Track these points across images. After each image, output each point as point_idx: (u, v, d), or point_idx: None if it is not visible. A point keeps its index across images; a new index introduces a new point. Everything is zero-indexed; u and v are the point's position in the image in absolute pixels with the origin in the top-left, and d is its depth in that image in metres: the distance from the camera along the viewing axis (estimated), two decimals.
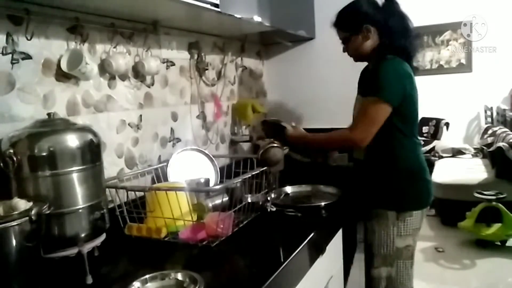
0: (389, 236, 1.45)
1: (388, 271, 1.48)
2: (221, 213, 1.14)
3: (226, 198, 1.21)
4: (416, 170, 1.46)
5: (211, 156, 1.68)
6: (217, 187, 1.20)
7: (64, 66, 1.21)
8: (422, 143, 1.53)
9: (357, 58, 1.53)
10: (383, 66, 1.39)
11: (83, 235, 0.98)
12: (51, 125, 0.99)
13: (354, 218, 1.57)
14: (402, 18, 1.45)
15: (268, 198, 1.41)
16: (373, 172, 1.49)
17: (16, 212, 0.84)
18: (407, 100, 1.39)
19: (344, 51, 1.53)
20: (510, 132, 3.81)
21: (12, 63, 1.10)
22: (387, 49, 1.43)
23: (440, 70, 5.49)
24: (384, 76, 1.37)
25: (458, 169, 3.99)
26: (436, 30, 5.41)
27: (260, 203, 1.37)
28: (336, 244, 1.49)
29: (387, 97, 1.35)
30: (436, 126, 5.19)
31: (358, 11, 1.47)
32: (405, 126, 1.42)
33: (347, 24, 1.49)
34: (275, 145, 1.42)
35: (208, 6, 1.33)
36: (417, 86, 1.45)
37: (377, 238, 1.48)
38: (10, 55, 1.09)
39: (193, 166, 1.61)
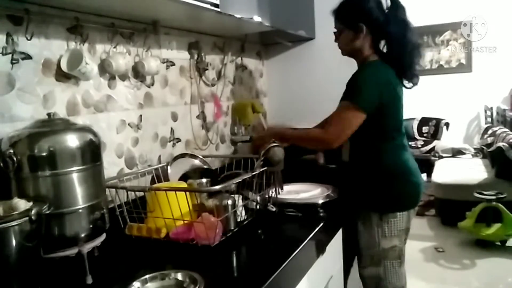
0: (374, 237, 1.47)
1: (376, 270, 1.50)
2: (214, 216, 1.14)
3: (226, 200, 1.20)
4: (398, 172, 1.45)
5: (205, 160, 1.66)
6: (217, 187, 1.19)
7: (64, 66, 1.21)
8: (414, 144, 1.57)
9: (345, 53, 1.52)
10: (362, 71, 1.42)
11: (83, 235, 0.98)
12: (51, 125, 0.99)
13: (354, 218, 1.57)
14: (405, 27, 1.41)
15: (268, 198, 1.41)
16: (357, 175, 1.52)
17: (16, 212, 0.83)
18: (385, 107, 1.38)
19: (335, 41, 1.52)
20: (510, 132, 3.81)
21: (12, 63, 1.10)
22: (381, 55, 1.44)
23: (440, 70, 5.49)
24: (361, 82, 1.38)
25: (458, 169, 3.99)
26: (436, 30, 5.42)
27: (261, 203, 1.37)
28: (336, 244, 1.49)
29: (361, 104, 1.35)
30: (436, 126, 5.20)
31: (360, 6, 1.43)
32: (385, 131, 1.44)
33: (344, 16, 1.46)
34: (276, 144, 1.42)
35: (208, 6, 1.33)
36: (401, 92, 1.46)
37: (363, 239, 1.51)
38: (10, 55, 1.09)
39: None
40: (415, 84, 1.49)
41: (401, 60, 1.42)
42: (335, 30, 1.51)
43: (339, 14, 1.48)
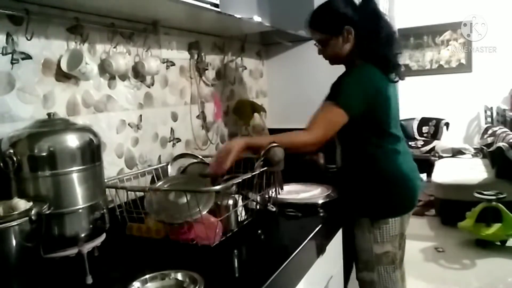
0: (366, 242, 1.46)
1: (370, 276, 1.48)
2: (214, 217, 1.14)
3: (227, 200, 1.20)
4: (391, 179, 1.42)
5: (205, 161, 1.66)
6: (217, 187, 1.19)
7: (64, 66, 1.21)
8: (410, 149, 1.50)
9: (334, 61, 1.49)
10: (348, 75, 1.39)
11: (83, 235, 0.98)
12: (51, 125, 0.99)
13: (354, 219, 1.57)
14: (377, 17, 1.39)
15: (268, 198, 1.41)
16: (349, 180, 1.50)
17: (16, 212, 0.83)
18: (372, 111, 1.35)
19: (319, 53, 1.48)
20: (510, 132, 3.81)
21: (12, 63, 1.10)
22: (360, 53, 1.39)
23: (440, 70, 5.50)
24: (345, 84, 1.36)
25: (458, 169, 3.99)
26: (436, 30, 5.43)
27: (261, 203, 1.37)
28: (336, 244, 1.49)
29: (343, 104, 1.31)
30: (436, 126, 5.21)
31: (337, 11, 1.39)
32: (376, 135, 1.40)
33: (326, 25, 1.41)
34: (276, 144, 1.41)
35: (208, 6, 1.33)
36: (392, 93, 1.41)
37: (357, 244, 1.50)
38: (10, 55, 1.09)
39: None
40: (400, 76, 1.44)
41: (380, 51, 1.37)
42: (315, 43, 1.47)
43: (318, 24, 1.43)
